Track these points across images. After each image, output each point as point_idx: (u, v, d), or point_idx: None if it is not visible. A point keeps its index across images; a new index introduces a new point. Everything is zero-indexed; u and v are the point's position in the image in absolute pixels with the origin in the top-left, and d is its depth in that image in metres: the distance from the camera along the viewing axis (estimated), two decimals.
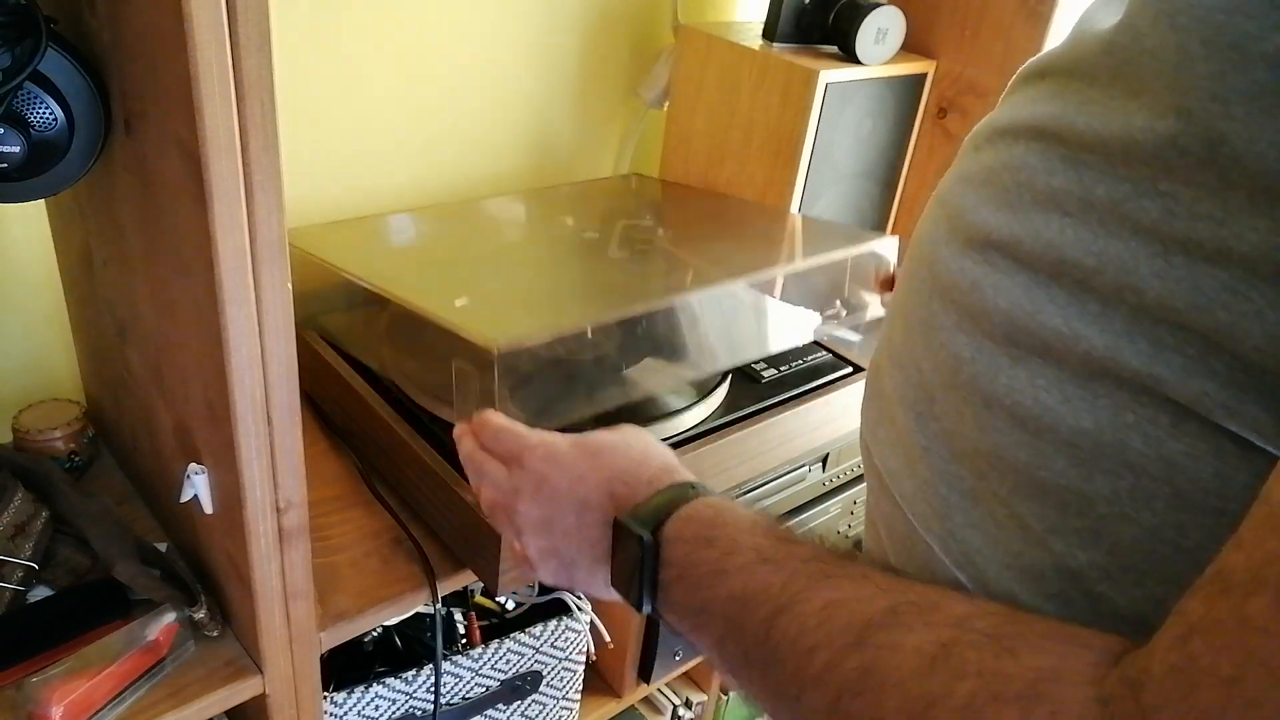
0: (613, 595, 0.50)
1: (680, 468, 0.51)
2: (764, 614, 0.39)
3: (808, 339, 0.91)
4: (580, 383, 0.73)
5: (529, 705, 0.92)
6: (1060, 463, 0.35)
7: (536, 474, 0.52)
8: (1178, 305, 0.31)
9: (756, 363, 0.91)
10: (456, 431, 0.60)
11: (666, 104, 1.14)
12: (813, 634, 0.36)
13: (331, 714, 0.77)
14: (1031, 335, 0.36)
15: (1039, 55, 0.42)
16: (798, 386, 0.89)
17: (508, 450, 0.55)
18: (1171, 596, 0.31)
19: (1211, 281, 0.30)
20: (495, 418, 0.58)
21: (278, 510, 0.58)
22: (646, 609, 0.46)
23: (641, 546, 0.45)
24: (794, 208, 1.04)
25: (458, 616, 0.89)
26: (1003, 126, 0.42)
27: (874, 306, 0.91)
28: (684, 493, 0.47)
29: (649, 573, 0.45)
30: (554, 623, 0.89)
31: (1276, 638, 0.24)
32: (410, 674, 0.80)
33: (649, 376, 0.76)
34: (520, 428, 0.56)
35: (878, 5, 0.99)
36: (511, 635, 0.87)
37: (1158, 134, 0.32)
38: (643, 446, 0.52)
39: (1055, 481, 0.36)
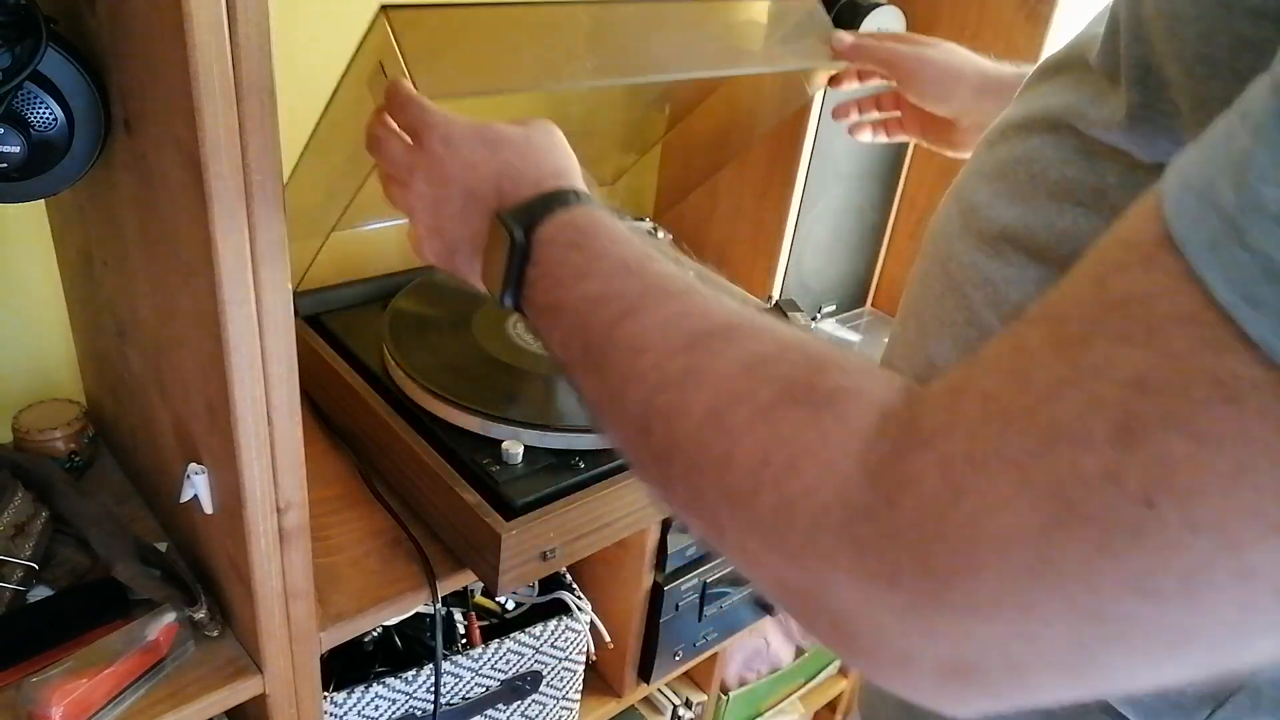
0: (483, 286, 0.51)
1: (574, 174, 0.51)
2: (611, 315, 0.40)
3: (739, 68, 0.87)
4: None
5: (529, 705, 0.92)
6: None
7: (432, 155, 0.52)
8: None
9: None
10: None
11: (666, 105, 1.14)
12: (650, 337, 0.38)
13: (331, 714, 0.77)
14: None
15: (1055, 51, 0.43)
16: None
17: (409, 125, 0.54)
18: None
19: None
20: (403, 88, 0.56)
21: (278, 510, 0.58)
22: (508, 304, 0.47)
23: (512, 243, 0.46)
24: (794, 208, 1.04)
25: (458, 616, 0.89)
26: (1017, 121, 0.42)
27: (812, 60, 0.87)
28: (565, 198, 0.47)
29: (515, 270, 0.46)
30: (554, 623, 0.89)
31: (1039, 360, 0.26)
32: (410, 674, 0.80)
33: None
34: (425, 103, 0.55)
35: (878, 5, 0.99)
36: (511, 635, 0.86)
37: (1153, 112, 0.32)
38: (542, 145, 0.52)
39: None
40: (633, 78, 0.82)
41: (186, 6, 0.42)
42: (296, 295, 0.59)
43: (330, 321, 0.91)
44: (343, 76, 0.67)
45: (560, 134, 0.54)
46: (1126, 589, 0.24)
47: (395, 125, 0.55)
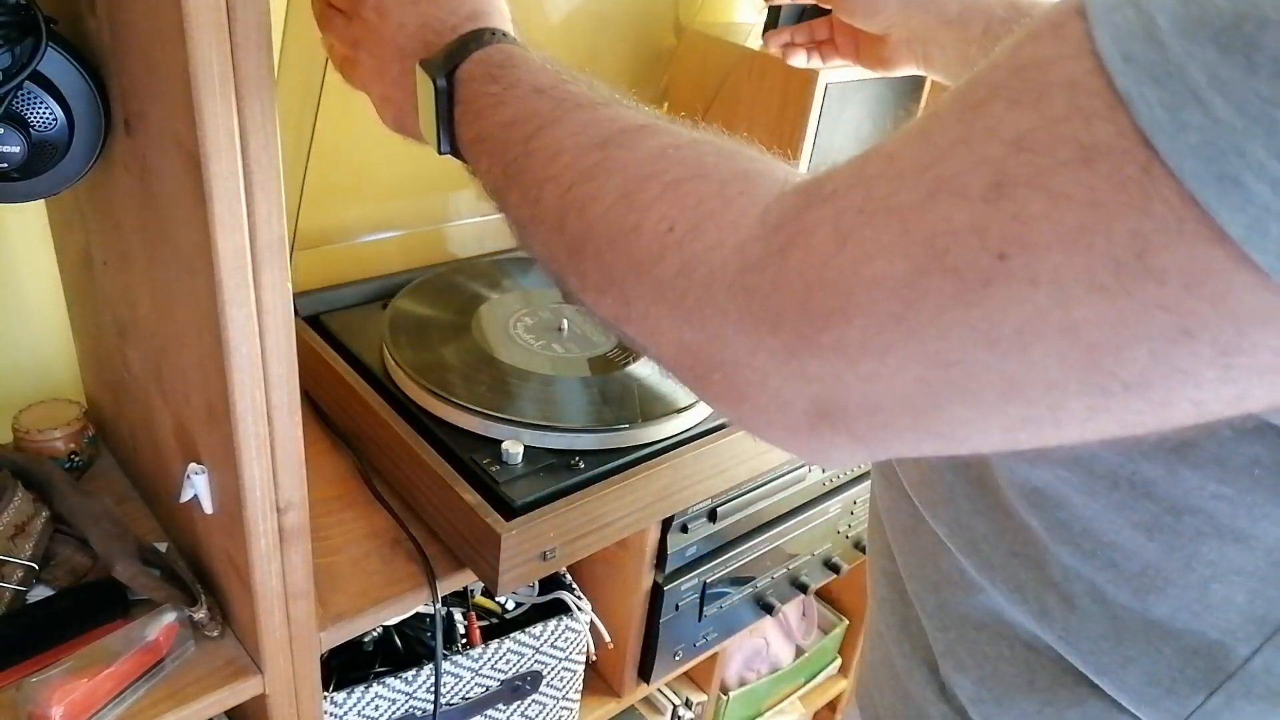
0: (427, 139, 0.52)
1: (493, 14, 0.51)
2: (527, 132, 0.41)
3: None
4: None
5: (529, 705, 0.92)
6: (1058, 453, 0.36)
7: (369, 24, 0.53)
8: None
9: None
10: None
11: (665, 105, 1.14)
12: (565, 142, 0.39)
13: (331, 714, 0.77)
14: None
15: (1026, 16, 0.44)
16: None
17: (346, 0, 0.55)
18: (1172, 588, 0.33)
19: None
20: None
21: (278, 510, 0.58)
22: (444, 149, 0.48)
23: (435, 89, 0.47)
24: None
25: (458, 616, 0.89)
26: None
27: None
28: (480, 37, 0.48)
29: (443, 113, 0.47)
30: (554, 623, 0.89)
31: (944, 122, 0.27)
32: (410, 674, 0.80)
33: None
34: None
35: None
36: (511, 635, 0.86)
37: None
38: None
39: (1056, 472, 0.37)
40: None
41: (186, 6, 0.42)
42: (296, 295, 0.59)
43: (330, 321, 0.91)
44: (284, 29, 0.67)
45: None
46: (970, 336, 0.26)
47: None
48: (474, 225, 1.10)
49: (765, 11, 1.01)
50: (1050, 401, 0.26)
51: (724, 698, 1.25)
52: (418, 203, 1.05)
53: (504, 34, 0.49)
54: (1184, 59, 0.22)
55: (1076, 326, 0.24)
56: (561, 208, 0.38)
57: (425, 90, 0.48)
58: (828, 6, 0.81)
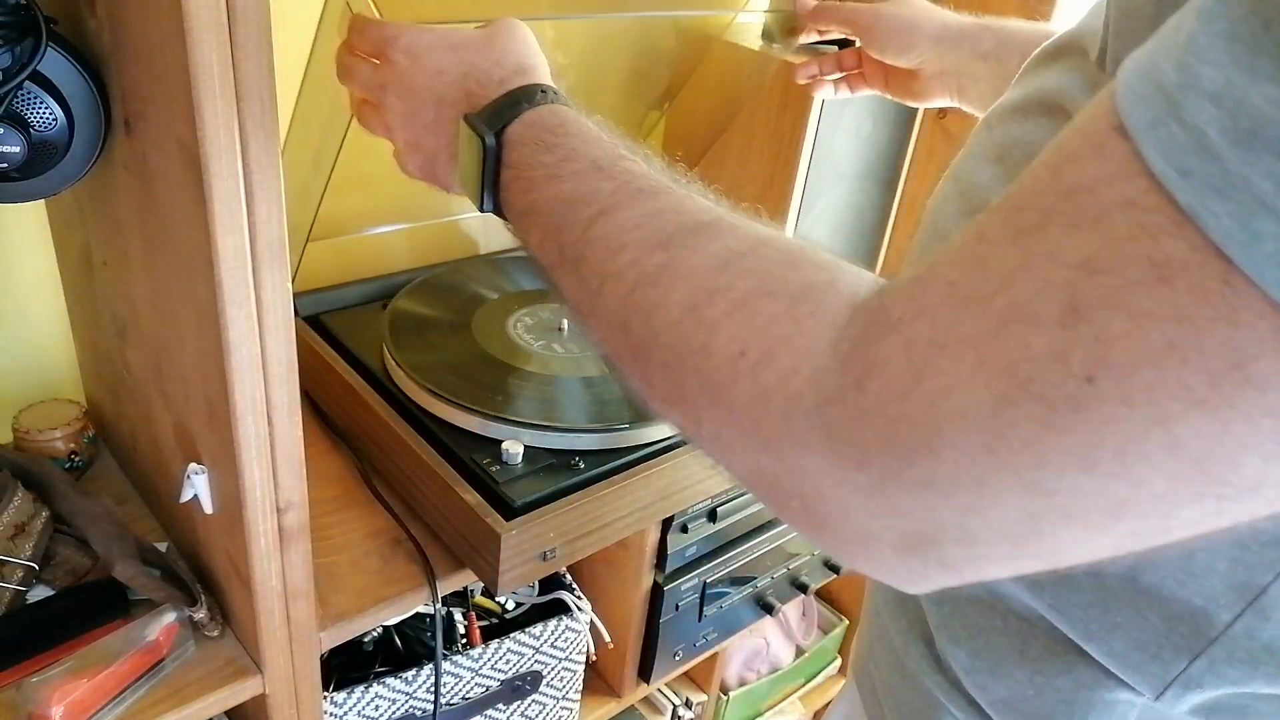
0: (460, 191, 0.51)
1: (540, 69, 0.51)
2: (586, 215, 0.40)
3: None
4: None
5: (529, 705, 0.92)
6: None
7: (399, 68, 0.52)
8: None
9: None
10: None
11: (666, 105, 1.13)
12: (627, 235, 0.39)
13: (331, 714, 0.77)
14: None
15: (1051, 39, 0.44)
16: None
17: (374, 45, 0.54)
18: (1156, 555, 0.34)
19: None
20: (364, 18, 0.57)
21: (278, 510, 0.58)
22: (487, 208, 0.47)
23: (484, 147, 0.46)
24: (794, 208, 1.04)
25: (458, 616, 0.89)
26: (1014, 105, 0.44)
27: None
28: (532, 95, 0.47)
29: (490, 173, 0.46)
30: (554, 623, 0.89)
31: (997, 247, 0.27)
32: (410, 674, 0.80)
33: None
34: (385, 22, 0.55)
35: None
36: (511, 635, 0.86)
37: None
38: (505, 43, 0.52)
39: None
40: (599, 13, 0.82)
41: (186, 6, 0.42)
42: (296, 295, 0.59)
43: (330, 321, 0.91)
44: (317, 30, 0.67)
45: (525, 29, 0.54)
46: (1069, 462, 0.25)
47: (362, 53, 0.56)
48: (479, 220, 1.10)
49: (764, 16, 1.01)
50: (1161, 513, 0.26)
51: (724, 698, 1.25)
52: (428, 195, 1.05)
53: (554, 92, 0.48)
54: (1244, 169, 0.22)
55: (1180, 443, 0.24)
56: (625, 309, 0.37)
57: (471, 147, 0.47)
58: (860, 44, 0.81)
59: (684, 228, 0.37)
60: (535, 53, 0.52)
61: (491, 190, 0.47)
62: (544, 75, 0.50)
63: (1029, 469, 0.26)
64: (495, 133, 0.46)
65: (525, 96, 0.47)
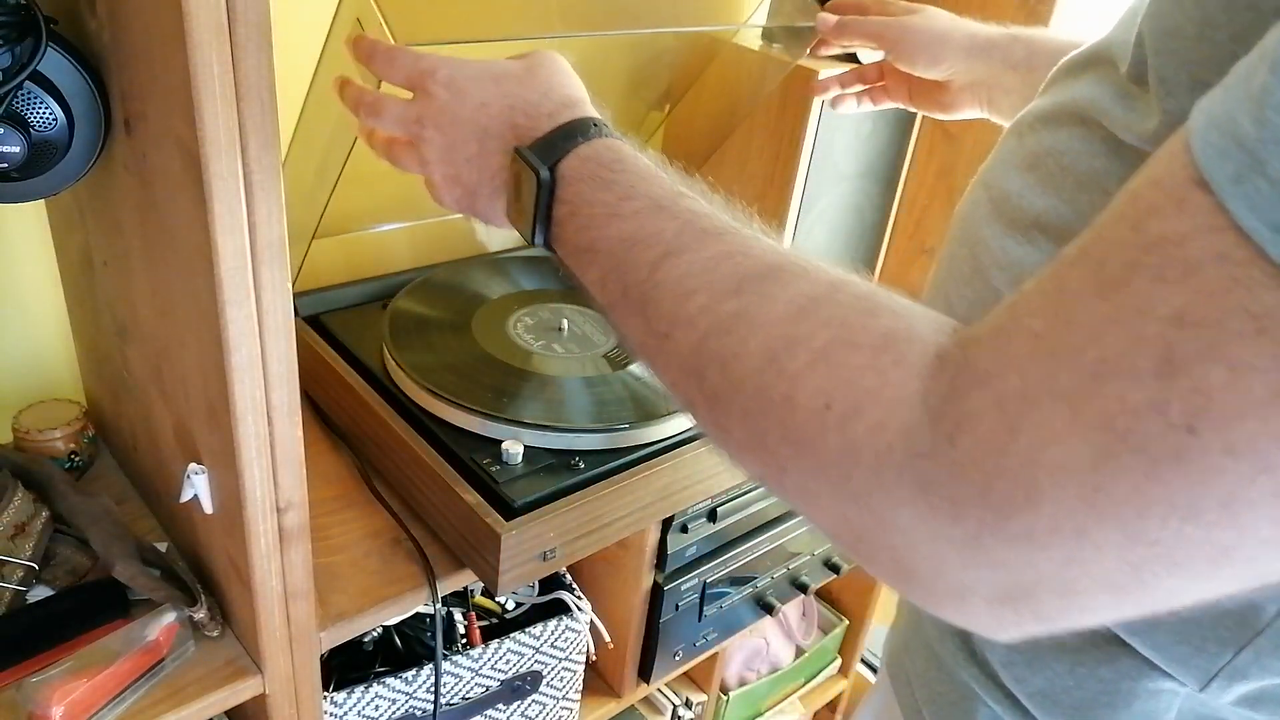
0: (508, 224, 0.50)
1: (585, 102, 0.50)
2: (652, 257, 0.40)
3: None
4: None
5: (529, 705, 0.92)
6: None
7: (438, 101, 0.51)
8: None
9: None
10: (335, 78, 0.58)
11: (668, 106, 1.14)
12: (695, 280, 0.38)
13: (331, 714, 0.77)
14: None
15: (1079, 49, 0.45)
16: None
17: (407, 77, 0.52)
18: None
19: None
20: (384, 43, 0.54)
21: (278, 510, 0.58)
22: (538, 242, 0.47)
23: (538, 182, 0.45)
24: (794, 208, 1.04)
25: (458, 616, 0.89)
26: (1044, 114, 0.44)
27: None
28: (585, 129, 0.46)
29: (543, 209, 0.45)
30: (554, 623, 0.89)
31: (1082, 300, 0.27)
32: (410, 674, 0.80)
33: None
34: (416, 51, 0.53)
35: None
36: (511, 635, 0.86)
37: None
38: (549, 75, 0.51)
39: None
40: (612, 29, 0.82)
41: (186, 6, 0.42)
42: (296, 295, 0.59)
43: (330, 321, 0.91)
44: (324, 46, 0.67)
45: (564, 62, 0.53)
46: (1173, 512, 0.26)
47: (386, 82, 0.54)
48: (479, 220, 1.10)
49: (766, 15, 1.01)
50: (1269, 557, 0.26)
51: (724, 698, 1.25)
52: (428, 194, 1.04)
53: (605, 125, 0.47)
54: None
55: None
56: (698, 357, 0.37)
57: (524, 180, 0.46)
58: (887, 57, 0.80)
59: (755, 273, 0.37)
60: (578, 84, 0.52)
61: (544, 225, 0.46)
62: (590, 108, 0.50)
63: (1132, 520, 0.26)
64: (550, 167, 0.45)
65: (579, 130, 0.46)
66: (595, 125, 0.47)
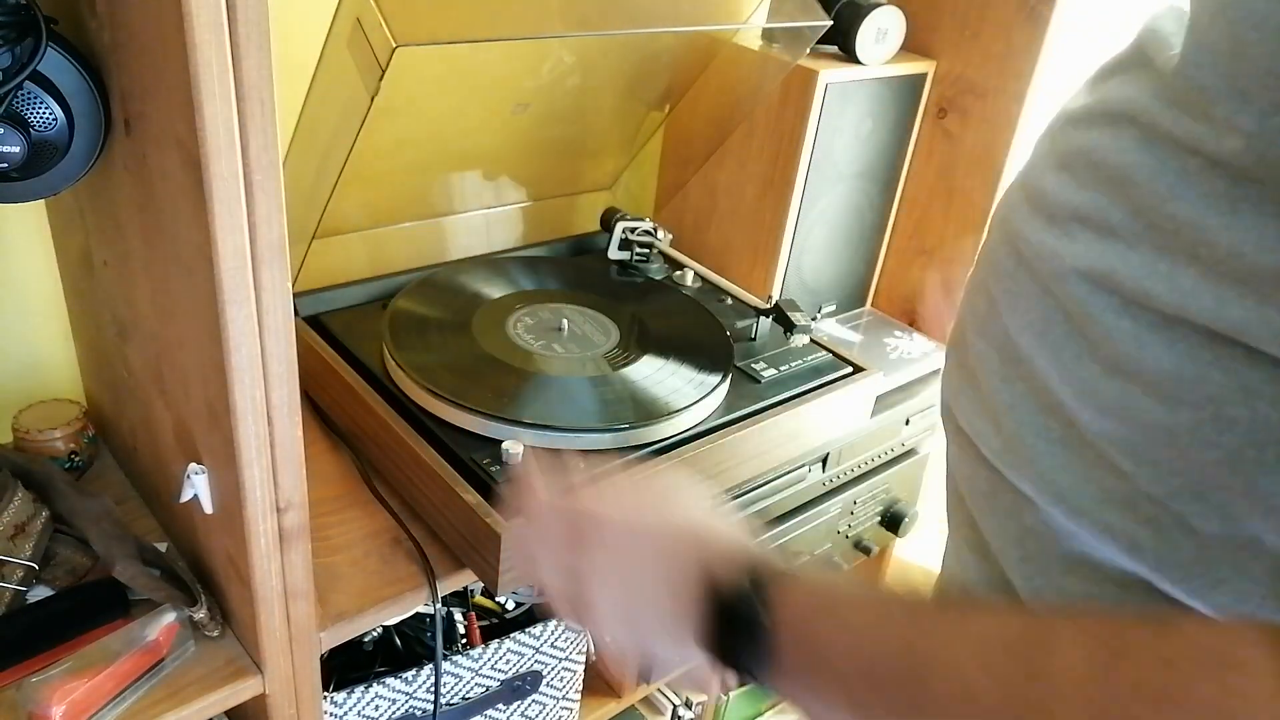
0: (695, 659, 0.47)
1: (745, 532, 0.50)
2: (905, 668, 0.38)
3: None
4: None
5: (529, 705, 0.92)
6: (1146, 401, 0.39)
7: (611, 554, 0.48)
8: (1245, 251, 0.35)
9: (756, 363, 0.91)
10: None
11: (668, 108, 1.13)
12: (972, 674, 0.36)
13: (331, 714, 0.77)
14: (1110, 288, 0.40)
15: (1107, 61, 0.48)
16: (797, 386, 0.89)
17: (570, 526, 0.50)
18: (1255, 513, 0.36)
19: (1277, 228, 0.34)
20: (538, 486, 0.52)
21: (278, 510, 0.58)
22: (764, 686, 0.45)
23: (756, 631, 0.43)
24: (794, 208, 1.04)
25: (458, 616, 0.89)
26: (1076, 116, 0.47)
27: None
28: (772, 567, 0.45)
29: (764, 659, 0.44)
30: (554, 623, 0.89)
31: None
32: (410, 674, 0.80)
33: None
34: (598, 512, 0.50)
35: (878, 5, 0.99)
36: (511, 635, 0.87)
37: (1224, 150, 0.36)
38: (711, 521, 0.51)
39: (1141, 418, 0.40)
40: (611, 29, 0.82)
41: (186, 6, 0.42)
42: (296, 295, 0.59)
43: (330, 321, 0.91)
44: (324, 46, 0.67)
45: (690, 480, 0.53)
46: None
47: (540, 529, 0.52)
48: (479, 220, 1.10)
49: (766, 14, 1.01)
50: None
51: (724, 698, 1.25)
52: (428, 194, 1.05)
53: (775, 558, 0.46)
54: None
55: None
56: None
57: (736, 629, 0.44)
58: None
59: (1028, 644, 0.35)
60: (720, 509, 0.51)
61: (765, 669, 0.44)
62: (751, 543, 0.48)
63: None
64: (763, 620, 0.43)
65: (767, 571, 0.44)
66: (769, 561, 0.45)
